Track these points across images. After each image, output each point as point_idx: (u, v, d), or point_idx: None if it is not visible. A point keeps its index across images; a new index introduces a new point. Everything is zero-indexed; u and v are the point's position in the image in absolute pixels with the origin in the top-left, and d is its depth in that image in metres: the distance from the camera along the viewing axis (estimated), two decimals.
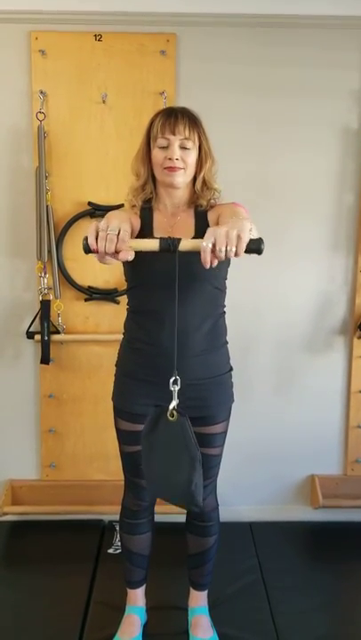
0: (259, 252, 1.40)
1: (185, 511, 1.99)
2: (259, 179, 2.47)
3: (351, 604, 2.22)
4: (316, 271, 2.58)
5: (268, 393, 2.64)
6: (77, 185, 2.46)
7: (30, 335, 2.53)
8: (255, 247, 1.39)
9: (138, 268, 1.71)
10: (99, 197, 2.45)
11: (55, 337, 2.52)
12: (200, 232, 1.61)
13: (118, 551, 2.34)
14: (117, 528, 2.34)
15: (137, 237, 1.68)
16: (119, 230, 1.43)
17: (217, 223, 1.65)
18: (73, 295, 2.53)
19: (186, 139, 1.66)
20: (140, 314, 1.79)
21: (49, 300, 2.49)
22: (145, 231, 1.73)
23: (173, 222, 1.74)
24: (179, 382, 1.50)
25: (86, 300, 2.52)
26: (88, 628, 2.04)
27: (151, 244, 1.48)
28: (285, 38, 2.39)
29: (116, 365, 1.89)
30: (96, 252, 1.43)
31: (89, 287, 2.52)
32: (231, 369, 1.87)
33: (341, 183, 2.52)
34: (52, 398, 2.61)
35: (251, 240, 1.38)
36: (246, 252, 1.38)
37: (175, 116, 1.67)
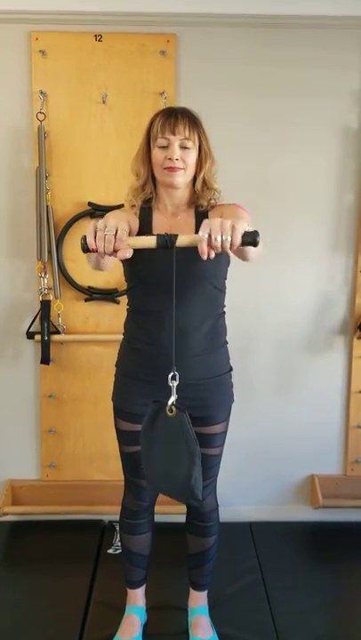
0: (254, 244, 1.41)
1: (185, 511, 1.99)
2: (259, 179, 2.47)
3: (351, 604, 2.22)
4: (316, 271, 2.58)
5: (268, 393, 2.64)
6: (77, 185, 2.46)
7: (30, 335, 2.53)
8: (251, 239, 1.40)
9: (137, 267, 1.72)
10: (99, 197, 2.45)
11: (55, 337, 2.52)
12: None
13: (118, 551, 2.34)
14: (117, 528, 2.34)
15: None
16: (117, 229, 1.43)
17: None
18: (73, 295, 2.53)
19: (186, 139, 1.66)
20: (140, 314, 1.79)
21: (49, 300, 2.50)
22: (144, 231, 1.72)
23: (173, 222, 1.74)
24: (177, 378, 1.50)
25: (86, 300, 2.53)
26: (88, 627, 2.04)
27: (149, 241, 1.49)
28: (285, 38, 2.39)
29: (115, 365, 1.89)
30: (95, 251, 1.44)
31: (89, 287, 2.52)
32: (231, 369, 1.87)
33: (341, 183, 2.52)
34: (52, 398, 2.61)
35: (246, 232, 1.39)
36: (243, 244, 1.39)
37: (175, 116, 1.67)
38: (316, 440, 2.67)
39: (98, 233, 1.43)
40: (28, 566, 2.37)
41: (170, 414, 1.49)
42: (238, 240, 1.38)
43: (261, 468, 2.67)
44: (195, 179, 1.74)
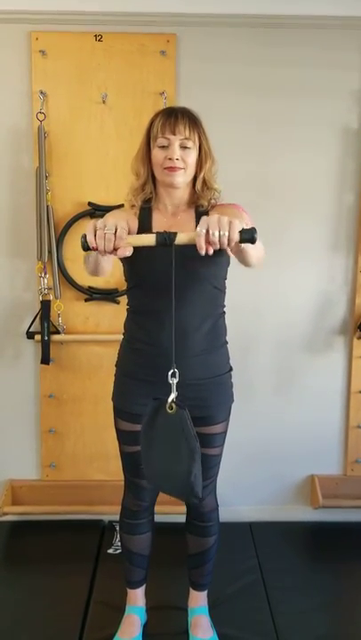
0: (252, 240, 1.42)
1: (185, 511, 1.99)
2: (259, 179, 2.47)
3: (351, 604, 2.22)
4: (316, 271, 2.58)
5: (268, 393, 2.64)
6: (77, 185, 2.46)
7: (30, 335, 2.53)
8: (248, 236, 1.42)
9: (137, 267, 1.72)
10: (99, 197, 2.45)
11: (55, 337, 2.52)
12: None
13: (118, 551, 2.34)
14: (117, 528, 2.34)
15: None
16: (116, 228, 1.44)
17: None
18: (73, 295, 2.53)
19: (186, 138, 1.66)
20: (140, 314, 1.80)
21: (49, 300, 2.50)
22: (144, 231, 1.72)
23: (173, 222, 1.73)
24: (177, 375, 1.50)
25: (86, 300, 2.53)
26: (88, 627, 2.04)
27: (148, 239, 1.50)
28: (285, 38, 2.39)
29: (115, 365, 1.89)
30: (95, 249, 1.46)
31: (89, 287, 2.52)
32: (231, 369, 1.87)
33: (341, 183, 2.52)
34: (52, 398, 2.61)
35: (244, 229, 1.41)
36: (241, 241, 1.41)
37: (175, 116, 1.67)
38: (316, 440, 2.67)
39: (98, 232, 1.45)
40: (28, 566, 2.37)
41: (170, 411, 1.49)
42: (236, 235, 1.39)
43: (261, 468, 2.67)
44: (195, 179, 1.74)
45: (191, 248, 1.44)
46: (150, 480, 1.67)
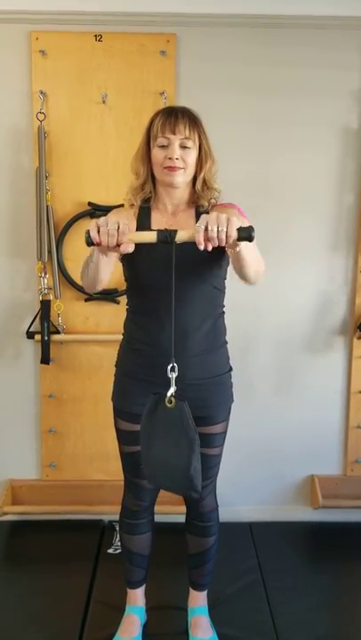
0: (250, 238, 1.46)
1: (185, 511, 1.99)
2: (259, 179, 2.47)
3: (351, 603, 2.22)
4: (316, 271, 2.58)
5: (268, 393, 2.64)
6: (77, 185, 2.46)
7: (30, 335, 2.54)
8: (246, 234, 1.45)
9: (136, 268, 1.72)
10: (99, 197, 2.45)
11: (55, 337, 2.52)
12: None
13: (118, 551, 2.34)
14: (117, 528, 2.34)
15: None
16: (118, 224, 1.47)
17: None
18: (73, 295, 2.53)
19: (186, 138, 1.66)
20: (140, 314, 1.80)
21: (49, 300, 2.50)
22: (142, 230, 1.72)
23: (173, 222, 1.73)
24: (176, 369, 1.51)
25: (86, 300, 2.53)
26: (88, 627, 2.04)
27: (149, 236, 1.52)
28: (285, 38, 2.39)
29: (115, 365, 1.89)
30: (98, 244, 1.49)
31: None
32: (231, 369, 1.87)
33: (341, 183, 2.52)
34: (52, 398, 2.61)
35: (241, 228, 1.45)
36: (239, 239, 1.45)
37: (175, 116, 1.67)
38: (316, 440, 2.67)
39: (101, 228, 1.47)
40: (28, 566, 2.37)
41: (169, 405, 1.50)
42: (233, 232, 1.42)
43: (261, 467, 2.67)
44: (194, 178, 1.74)
45: (191, 248, 1.45)
46: (150, 476, 1.67)
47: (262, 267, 1.68)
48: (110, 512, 2.40)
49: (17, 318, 2.58)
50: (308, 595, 2.22)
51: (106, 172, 2.45)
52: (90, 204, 2.46)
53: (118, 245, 1.48)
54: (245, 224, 1.48)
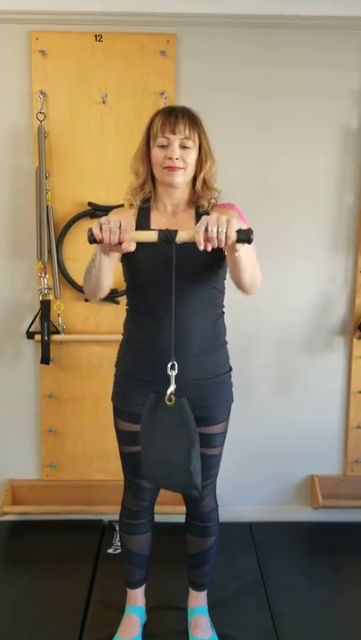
0: (248, 241, 1.48)
1: (185, 511, 1.99)
2: (259, 179, 2.47)
3: (351, 603, 2.21)
4: (316, 271, 2.58)
5: (268, 393, 2.64)
6: (77, 185, 2.46)
7: (30, 335, 2.54)
8: (245, 237, 1.47)
9: (136, 268, 1.72)
10: (99, 197, 2.45)
11: (55, 337, 2.52)
12: None
13: (118, 551, 2.34)
14: (117, 528, 2.34)
15: None
16: (120, 223, 1.49)
17: None
18: (73, 295, 2.53)
19: (186, 138, 1.66)
20: (140, 314, 1.80)
21: (49, 300, 2.50)
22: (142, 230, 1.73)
23: (173, 222, 1.73)
24: (176, 367, 1.52)
25: (86, 300, 2.52)
26: (88, 627, 2.04)
27: (150, 236, 1.53)
28: (285, 38, 2.40)
29: (115, 366, 1.89)
30: (101, 241, 1.50)
31: None
32: (231, 369, 1.87)
33: (341, 183, 2.52)
34: (52, 398, 2.61)
35: (241, 230, 1.47)
36: (238, 241, 1.47)
37: (175, 115, 1.67)
38: (316, 440, 2.67)
39: (103, 226, 1.49)
40: (28, 566, 2.37)
41: (169, 403, 1.50)
42: (233, 233, 1.44)
43: (261, 467, 2.67)
44: (194, 178, 1.74)
45: (191, 248, 1.46)
46: (149, 475, 1.67)
47: (259, 277, 1.68)
48: (110, 512, 2.40)
49: (17, 318, 2.58)
50: (308, 595, 2.22)
51: (106, 172, 2.45)
52: (90, 204, 2.46)
53: (120, 243, 1.49)
54: (245, 227, 1.49)
